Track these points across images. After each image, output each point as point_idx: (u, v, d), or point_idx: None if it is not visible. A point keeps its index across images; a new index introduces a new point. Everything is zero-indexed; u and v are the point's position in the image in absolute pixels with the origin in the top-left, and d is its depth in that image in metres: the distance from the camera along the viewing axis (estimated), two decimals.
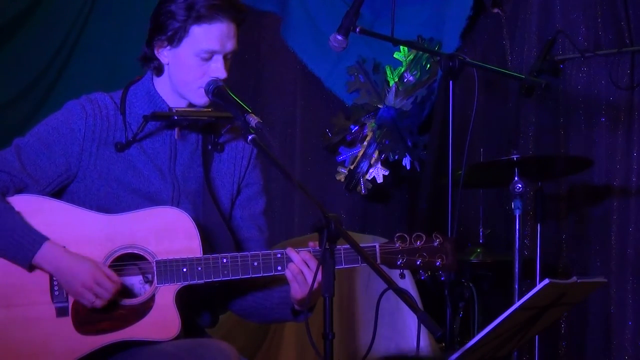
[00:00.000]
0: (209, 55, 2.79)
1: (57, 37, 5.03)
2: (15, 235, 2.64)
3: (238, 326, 4.10)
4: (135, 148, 2.84)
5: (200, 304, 2.88)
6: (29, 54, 4.95)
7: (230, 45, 2.80)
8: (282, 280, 2.80)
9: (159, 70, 2.86)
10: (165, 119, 2.84)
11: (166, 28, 2.78)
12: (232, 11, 2.78)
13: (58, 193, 2.81)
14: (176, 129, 2.87)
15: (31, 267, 2.67)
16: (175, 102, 2.86)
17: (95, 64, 5.05)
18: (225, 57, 2.81)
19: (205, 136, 2.93)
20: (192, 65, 2.79)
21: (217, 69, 2.79)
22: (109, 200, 2.78)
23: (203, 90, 2.81)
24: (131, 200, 2.79)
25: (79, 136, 2.79)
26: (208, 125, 2.92)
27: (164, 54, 2.83)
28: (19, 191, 2.75)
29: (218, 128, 2.95)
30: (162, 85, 2.87)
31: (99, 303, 2.65)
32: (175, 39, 2.79)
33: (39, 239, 2.65)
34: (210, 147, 2.93)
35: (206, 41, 2.77)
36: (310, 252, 2.73)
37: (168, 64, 2.84)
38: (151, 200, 2.81)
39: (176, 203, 2.83)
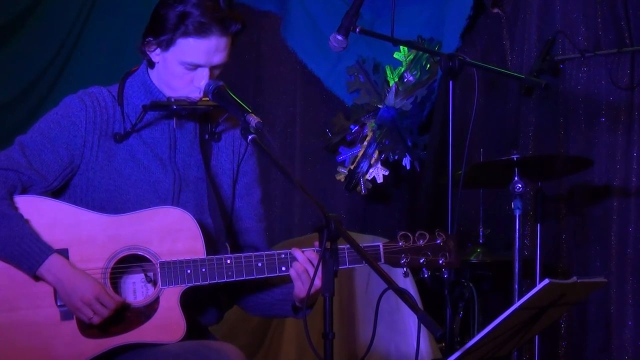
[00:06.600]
0: (194, 67, 2.78)
1: (57, 37, 5.04)
2: (22, 244, 2.62)
3: (239, 324, 4.11)
4: (135, 138, 2.83)
5: (205, 302, 2.87)
6: (29, 53, 4.96)
7: (217, 58, 2.78)
8: (284, 278, 2.80)
9: (151, 64, 2.86)
10: (164, 108, 2.83)
11: (157, 32, 2.78)
12: (224, 27, 2.75)
13: (62, 188, 2.80)
14: (174, 119, 2.87)
15: (35, 276, 2.65)
16: (170, 93, 2.85)
17: (96, 64, 5.06)
18: (212, 69, 2.79)
19: (202, 125, 2.92)
20: (178, 72, 2.79)
21: (199, 82, 2.78)
22: (110, 193, 2.77)
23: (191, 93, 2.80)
24: (132, 192, 2.78)
25: (80, 128, 2.78)
26: (205, 115, 2.91)
27: (155, 54, 2.83)
28: (26, 189, 2.73)
29: (215, 117, 2.94)
30: (156, 77, 2.87)
31: (96, 320, 2.63)
32: (163, 44, 2.78)
33: (46, 250, 2.63)
34: (207, 136, 2.93)
35: (190, 55, 2.76)
36: (315, 251, 2.73)
37: (158, 63, 2.84)
38: (152, 190, 2.80)
39: (177, 192, 2.83)
